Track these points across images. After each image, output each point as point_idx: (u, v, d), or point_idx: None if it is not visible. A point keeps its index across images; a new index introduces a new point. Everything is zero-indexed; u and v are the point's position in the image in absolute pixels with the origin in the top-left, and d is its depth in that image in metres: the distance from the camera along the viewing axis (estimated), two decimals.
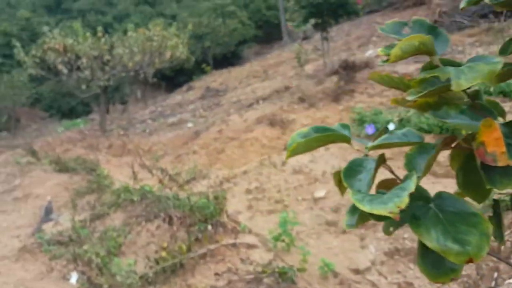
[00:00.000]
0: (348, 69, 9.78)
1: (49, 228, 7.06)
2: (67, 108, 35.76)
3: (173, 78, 33.68)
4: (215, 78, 22.75)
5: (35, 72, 13.28)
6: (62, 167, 10.39)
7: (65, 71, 12.61)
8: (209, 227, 4.14)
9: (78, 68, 12.88)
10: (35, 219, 8.08)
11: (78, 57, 12.62)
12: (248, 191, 5.17)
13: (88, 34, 12.75)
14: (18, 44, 13.38)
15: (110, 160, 10.85)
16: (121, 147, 12.96)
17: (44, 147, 15.93)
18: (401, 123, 5.69)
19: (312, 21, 11.04)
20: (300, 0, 10.41)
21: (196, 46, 27.38)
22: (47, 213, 7.87)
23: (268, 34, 55.38)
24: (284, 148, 8.10)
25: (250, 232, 4.19)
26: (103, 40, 12.54)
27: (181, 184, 6.06)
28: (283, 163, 5.83)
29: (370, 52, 17.77)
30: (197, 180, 6.80)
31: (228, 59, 44.87)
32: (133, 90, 39.88)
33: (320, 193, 4.50)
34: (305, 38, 25.04)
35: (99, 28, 13.06)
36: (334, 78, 10.04)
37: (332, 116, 8.54)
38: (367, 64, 10.10)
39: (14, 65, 51.66)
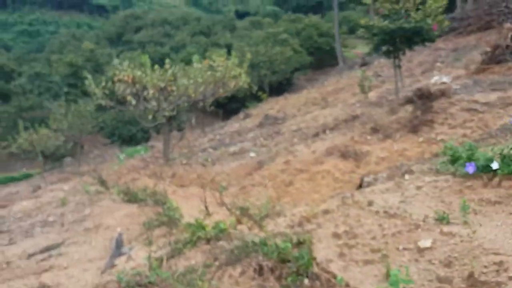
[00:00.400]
0: (424, 98, 9.15)
1: (122, 263, 6.84)
2: (128, 135, 36.80)
3: (225, 105, 33.96)
4: (272, 106, 22.56)
5: (104, 103, 13.54)
6: (130, 197, 10.32)
7: (133, 102, 12.75)
8: (306, 280, 3.69)
9: (145, 99, 13.02)
10: (106, 251, 7.92)
11: (145, 88, 12.76)
12: (337, 236, 4.66)
13: (156, 66, 12.88)
14: (89, 76, 13.73)
15: (176, 191, 10.67)
16: (185, 177, 12.83)
17: (110, 175, 16.14)
18: (504, 161, 5.03)
19: (384, 48, 10.55)
20: (372, 27, 9.97)
21: (252, 74, 27.45)
22: (118, 246, 7.68)
23: (320, 60, 55.19)
24: (360, 183, 7.56)
25: (348, 286, 3.70)
26: (170, 71, 12.63)
27: (258, 222, 5.64)
28: (370, 203, 5.32)
29: (435, 79, 16.95)
30: (271, 217, 6.38)
31: (282, 86, 44.94)
32: (188, 117, 40.63)
33: (426, 243, 3.94)
34: (364, 64, 24.47)
35: (167, 61, 13.20)
36: (409, 108, 9.44)
37: (411, 149, 7.91)
38: (443, 93, 9.43)
39: (79, 94, 54.22)
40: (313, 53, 52.90)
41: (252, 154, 12.43)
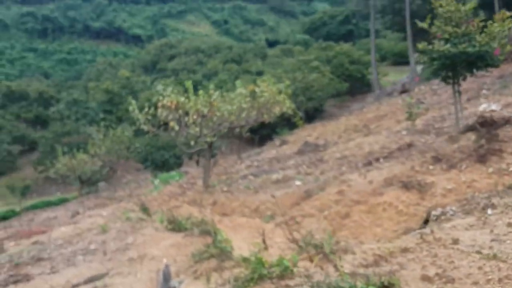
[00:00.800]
0: (487, 126, 8.51)
1: None
2: (160, 160, 36.91)
3: (256, 131, 33.62)
4: (309, 132, 22.08)
5: (147, 128, 13.36)
6: (175, 226, 9.90)
7: (176, 127, 12.52)
8: None
9: (186, 125, 12.76)
10: (153, 284, 7.47)
11: (187, 114, 12.52)
12: (428, 279, 4.08)
13: (201, 91, 12.67)
14: (133, 101, 13.63)
15: (222, 220, 10.19)
16: (227, 205, 12.37)
17: (149, 202, 15.87)
18: None
19: (442, 73, 9.98)
20: (431, 52, 9.45)
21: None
22: (166, 279, 7.20)
23: (351, 87, 54.73)
24: (427, 217, 6.92)
25: None
26: (214, 96, 12.38)
27: (334, 261, 5.08)
28: (455, 241, 4.71)
29: (484, 106, 16.15)
30: (337, 253, 5.81)
31: (315, 113, 44.61)
32: (221, 143, 40.53)
33: None
34: (404, 91, 23.83)
35: (211, 86, 12.97)
36: (471, 136, 8.79)
37: (480, 180, 7.25)
38: (508, 121, 8.77)
39: (114, 120, 55.03)
40: (345, 80, 52.58)
41: (298, 183, 11.89)
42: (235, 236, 8.65)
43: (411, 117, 14.88)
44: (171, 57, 73.25)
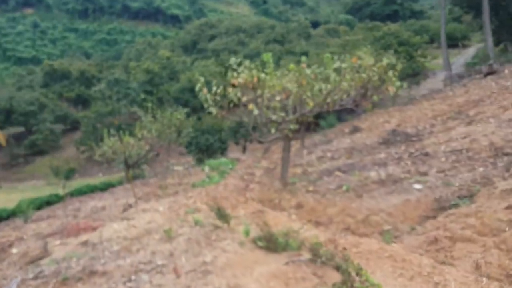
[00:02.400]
0: None
1: None
2: (205, 144, 34.56)
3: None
4: (386, 118, 19.03)
5: (215, 112, 10.81)
6: (270, 244, 7.28)
7: (256, 111, 9.86)
8: None
9: (268, 108, 10.10)
10: None
11: (271, 95, 9.83)
12: None
13: (292, 65, 9.92)
14: (201, 78, 11.01)
15: (333, 240, 7.48)
16: (318, 210, 9.69)
17: (206, 197, 13.37)
18: None
19: None
20: None
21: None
22: None
23: (402, 70, 50.66)
24: None
25: None
26: (309, 71, 9.57)
27: None
28: None
29: None
30: None
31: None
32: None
33: None
34: (491, 72, 20.36)
35: (303, 59, 10.17)
36: None
37: None
38: None
39: (154, 101, 53.08)
40: None
41: (418, 186, 9.04)
42: (373, 273, 5.94)
43: None
44: (212, 37, 70.52)
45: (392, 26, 59.76)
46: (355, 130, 18.38)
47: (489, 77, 19.42)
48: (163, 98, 53.63)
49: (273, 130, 10.36)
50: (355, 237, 7.48)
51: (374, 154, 13.53)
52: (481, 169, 9.15)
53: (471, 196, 7.70)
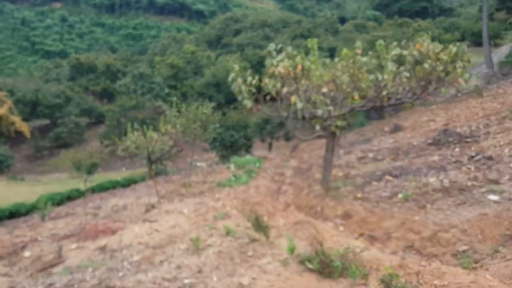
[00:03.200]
0: None
1: None
2: (229, 141, 33.26)
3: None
4: (430, 117, 17.35)
5: (250, 105, 9.44)
6: (322, 267, 5.87)
7: (299, 104, 8.42)
8: None
9: (314, 103, 8.68)
10: None
11: (318, 87, 8.39)
12: None
13: (345, 50, 8.47)
14: (236, 67, 9.66)
15: (403, 265, 6.01)
16: (371, 222, 8.22)
17: (232, 199, 12.01)
18: None
19: None
20: None
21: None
22: None
23: None
24: None
25: None
26: (364, 59, 8.07)
27: None
28: None
29: None
30: None
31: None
32: (297, 125, 36.11)
33: None
34: None
35: (358, 44, 8.65)
36: None
37: None
38: None
39: (178, 95, 52.07)
40: None
41: (494, 197, 7.49)
42: None
43: None
44: (237, 32, 69.13)
45: (422, 23, 57.40)
46: (397, 129, 16.76)
47: None
48: (187, 93, 52.64)
49: (317, 127, 8.92)
50: (430, 261, 5.98)
51: (425, 156, 11.94)
52: None
53: None
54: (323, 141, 24.19)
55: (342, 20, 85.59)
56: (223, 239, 8.35)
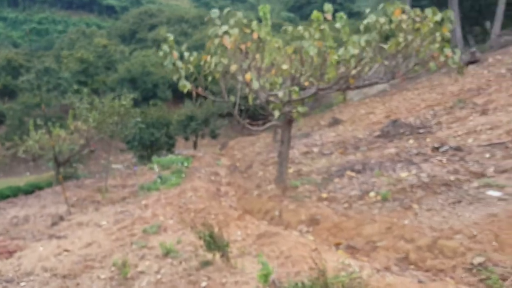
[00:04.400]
0: None
1: None
2: (149, 139, 30.32)
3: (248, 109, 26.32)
4: (367, 109, 16.33)
5: (189, 87, 7.26)
6: None
7: (256, 84, 6.41)
8: None
9: (271, 84, 6.78)
10: None
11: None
12: None
13: (316, 12, 6.62)
14: (171, 36, 7.46)
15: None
16: (349, 229, 6.52)
17: (165, 205, 9.72)
18: None
19: None
20: None
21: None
22: None
23: None
24: None
25: None
26: (338, 24, 6.29)
27: None
28: None
29: None
30: None
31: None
32: (221, 121, 33.99)
33: None
34: (474, 61, 18.30)
35: (327, 7, 6.86)
36: None
37: None
38: None
39: (89, 93, 47.43)
40: None
41: (496, 193, 6.14)
42: None
43: None
44: (152, 27, 65.29)
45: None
46: (335, 122, 15.48)
47: (472, 65, 17.33)
48: (99, 89, 48.16)
49: (276, 113, 7.01)
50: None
51: (379, 149, 10.61)
52: None
53: None
54: (253, 138, 22.43)
55: (258, 21, 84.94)
56: (161, 263, 6.13)
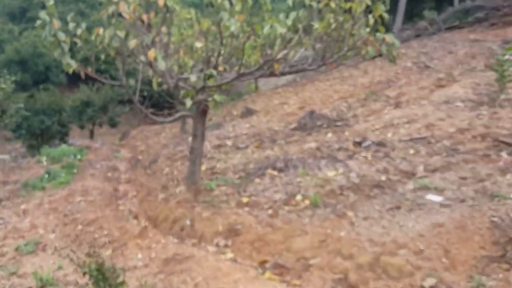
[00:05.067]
0: None
1: None
2: (39, 128, 26.70)
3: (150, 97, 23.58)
4: (280, 100, 15.48)
5: (74, 66, 5.55)
6: None
7: (163, 64, 4.91)
8: None
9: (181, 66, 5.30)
10: None
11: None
12: None
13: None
14: (50, 0, 5.69)
15: None
16: (276, 242, 5.40)
17: (48, 213, 7.85)
18: None
19: None
20: None
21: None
22: None
23: None
24: None
25: None
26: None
27: None
28: None
29: None
30: None
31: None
32: (121, 109, 31.26)
33: None
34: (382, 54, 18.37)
35: None
36: None
37: None
38: None
39: None
40: None
41: (437, 198, 5.43)
42: None
43: (502, 80, 9.30)
44: (44, 5, 58.59)
45: None
46: (249, 112, 14.42)
47: (379, 58, 17.37)
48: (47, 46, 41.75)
49: (188, 102, 5.60)
50: None
51: (298, 143, 9.72)
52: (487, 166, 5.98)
53: None
54: (158, 127, 20.58)
55: None
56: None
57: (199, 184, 6.98)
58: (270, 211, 6.03)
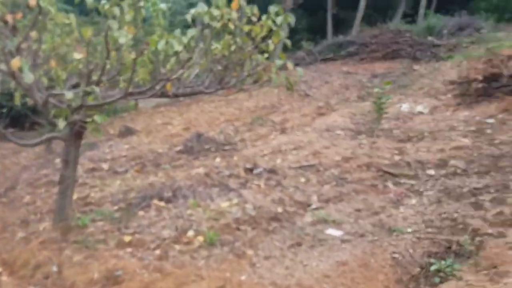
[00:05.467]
0: None
1: None
2: None
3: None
4: (164, 119, 14.52)
5: None
6: None
7: (30, 76, 3.76)
8: None
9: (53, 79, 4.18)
10: None
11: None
12: None
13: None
14: None
15: None
16: None
17: None
18: None
19: None
20: None
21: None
22: None
23: None
24: None
25: None
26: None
27: None
28: None
29: (405, 106, 12.89)
30: None
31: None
32: None
33: None
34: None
35: None
36: None
37: None
38: None
39: None
40: None
41: (337, 233, 5.19)
42: None
43: (379, 112, 9.85)
44: None
45: None
46: (128, 132, 13.22)
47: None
48: None
49: (61, 123, 4.55)
50: None
51: (185, 168, 9.01)
52: (381, 196, 6.10)
53: (454, 254, 4.44)
54: (15, 146, 17.91)
55: None
56: None
57: (70, 220, 5.83)
58: (158, 252, 5.22)
